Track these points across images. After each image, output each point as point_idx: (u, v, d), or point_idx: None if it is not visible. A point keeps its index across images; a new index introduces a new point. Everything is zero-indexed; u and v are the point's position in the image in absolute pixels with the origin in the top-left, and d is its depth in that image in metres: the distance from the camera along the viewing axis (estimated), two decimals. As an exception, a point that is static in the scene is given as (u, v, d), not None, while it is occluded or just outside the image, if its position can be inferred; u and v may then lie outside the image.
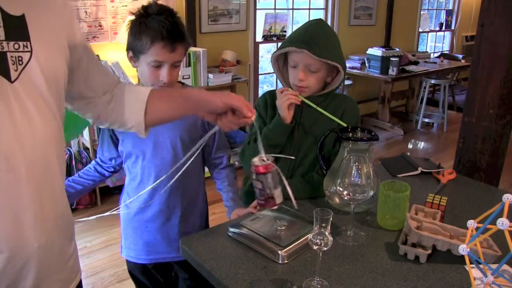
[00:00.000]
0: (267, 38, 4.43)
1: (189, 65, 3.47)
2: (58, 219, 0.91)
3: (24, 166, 0.80)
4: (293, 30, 1.48)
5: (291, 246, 1.12)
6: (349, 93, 5.22)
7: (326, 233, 0.95)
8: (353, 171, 1.12)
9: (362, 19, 5.35)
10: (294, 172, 1.48)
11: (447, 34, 7.07)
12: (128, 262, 1.65)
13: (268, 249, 1.12)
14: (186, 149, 1.47)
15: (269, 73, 4.92)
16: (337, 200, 1.35)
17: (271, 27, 4.43)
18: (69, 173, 3.01)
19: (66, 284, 0.97)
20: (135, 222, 1.55)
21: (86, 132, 3.24)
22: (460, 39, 7.12)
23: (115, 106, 1.05)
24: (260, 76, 4.59)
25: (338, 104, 1.47)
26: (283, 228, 1.20)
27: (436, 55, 6.51)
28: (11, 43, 0.78)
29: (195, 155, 1.15)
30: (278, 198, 1.03)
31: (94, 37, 3.25)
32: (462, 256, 0.94)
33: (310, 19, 1.80)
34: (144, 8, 1.34)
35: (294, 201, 1.00)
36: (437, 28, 6.87)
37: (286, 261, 1.10)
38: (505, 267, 1.03)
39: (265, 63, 5.18)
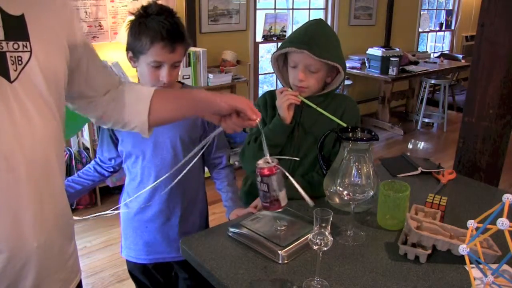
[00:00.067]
0: (267, 38, 4.43)
1: (189, 65, 3.47)
2: (57, 219, 0.91)
3: (23, 166, 0.80)
4: (293, 30, 1.48)
5: (291, 246, 1.12)
6: (349, 93, 5.22)
7: (326, 233, 0.95)
8: (353, 171, 1.12)
9: (362, 19, 5.35)
10: (294, 172, 1.48)
11: (447, 34, 7.07)
12: (128, 262, 1.65)
13: (268, 249, 1.12)
14: (186, 149, 1.47)
15: (269, 73, 4.92)
16: (337, 200, 1.35)
17: (271, 27, 4.43)
18: (69, 173, 3.01)
19: (66, 284, 0.97)
20: (135, 222, 1.55)
21: (86, 132, 3.24)
22: (460, 39, 7.12)
23: (118, 106, 1.05)
24: (260, 76, 4.59)
25: (338, 104, 1.47)
26: (283, 228, 1.20)
27: (436, 55, 6.51)
28: (11, 43, 0.78)
29: (197, 156, 1.15)
30: (283, 201, 1.03)
31: (94, 37, 3.25)
32: (462, 256, 0.94)
33: (310, 19, 1.80)
34: (144, 8, 1.34)
35: (307, 198, 1.00)
36: (437, 28, 6.87)
37: (286, 261, 1.10)
38: (505, 267, 1.03)
39: (265, 63, 5.17)
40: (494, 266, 0.96)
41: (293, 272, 1.06)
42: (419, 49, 6.49)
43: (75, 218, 1.10)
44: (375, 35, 5.59)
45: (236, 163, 3.30)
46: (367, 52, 4.94)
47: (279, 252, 1.10)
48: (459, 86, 6.52)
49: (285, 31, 4.51)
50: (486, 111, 1.97)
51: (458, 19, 6.97)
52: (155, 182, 1.39)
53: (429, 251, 1.10)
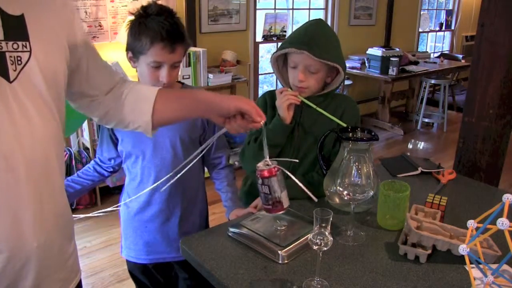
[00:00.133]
0: (267, 38, 4.43)
1: (189, 65, 3.47)
2: (57, 218, 0.91)
3: (23, 165, 0.80)
4: (293, 30, 1.48)
5: (291, 246, 1.12)
6: (349, 93, 5.23)
7: (326, 233, 0.95)
8: (353, 171, 1.12)
9: (362, 19, 5.35)
10: (294, 172, 1.48)
11: (447, 34, 7.07)
12: (128, 262, 1.65)
13: (268, 249, 1.12)
14: (186, 149, 1.47)
15: (269, 73, 4.92)
16: (337, 200, 1.35)
17: (271, 27, 4.43)
18: (69, 173, 3.01)
19: (66, 283, 0.97)
20: (135, 222, 1.55)
21: (86, 132, 3.24)
22: (460, 39, 7.12)
23: (122, 105, 1.05)
24: (260, 76, 4.59)
25: (338, 104, 1.47)
26: (283, 228, 1.20)
27: (436, 55, 6.51)
28: (10, 43, 0.78)
29: (199, 157, 1.15)
30: (285, 202, 1.03)
31: (94, 37, 3.25)
32: (462, 256, 0.94)
33: (310, 19, 1.80)
34: (144, 8, 1.34)
35: (311, 194, 1.00)
36: (437, 28, 6.87)
37: (286, 261, 1.10)
38: (505, 267, 1.03)
39: (265, 63, 5.17)
40: (494, 266, 0.96)
41: (293, 272, 1.06)
42: (419, 49, 6.49)
43: (75, 216, 1.10)
44: (375, 35, 5.59)
45: (236, 163, 3.30)
46: (367, 52, 4.94)
47: (279, 252, 1.10)
48: (459, 86, 6.52)
49: (285, 31, 4.51)
50: (486, 111, 1.97)
51: (458, 19, 6.97)
52: (156, 183, 1.38)
53: (429, 251, 1.10)
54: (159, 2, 1.40)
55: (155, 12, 1.32)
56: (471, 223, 0.99)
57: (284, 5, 4.85)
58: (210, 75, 3.64)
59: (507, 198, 0.89)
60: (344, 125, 1.35)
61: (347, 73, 4.64)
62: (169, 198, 1.51)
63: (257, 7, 4.28)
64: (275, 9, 4.58)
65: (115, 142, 1.54)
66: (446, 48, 7.11)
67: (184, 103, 1.07)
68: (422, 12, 6.31)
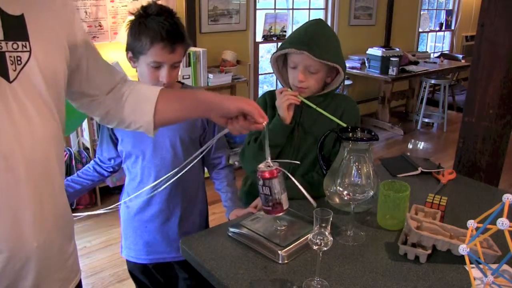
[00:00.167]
0: (267, 38, 4.43)
1: (189, 65, 3.47)
2: (57, 218, 0.91)
3: (23, 165, 0.80)
4: (293, 30, 1.48)
5: (291, 246, 1.12)
6: (349, 93, 5.22)
7: (326, 233, 0.95)
8: (353, 171, 1.12)
9: (362, 19, 5.35)
10: (294, 172, 1.48)
11: (447, 34, 7.07)
12: (128, 262, 1.65)
13: (268, 249, 1.12)
14: (186, 149, 1.47)
15: (269, 73, 4.92)
16: (337, 200, 1.35)
17: (271, 27, 4.43)
18: (69, 173, 3.01)
19: (65, 283, 0.97)
20: (135, 222, 1.55)
21: (86, 132, 3.24)
22: (460, 39, 7.12)
23: (124, 105, 1.05)
24: (260, 76, 4.59)
25: (338, 104, 1.47)
26: (283, 228, 1.20)
27: (436, 55, 6.51)
28: (10, 43, 0.78)
29: (199, 157, 1.15)
30: (285, 204, 1.04)
31: (94, 37, 3.25)
32: (462, 256, 0.94)
33: (310, 19, 1.80)
34: (144, 8, 1.34)
35: (310, 198, 1.00)
36: (437, 28, 6.87)
37: (286, 261, 1.10)
38: (505, 267, 1.03)
39: (265, 63, 5.17)
40: (494, 266, 0.96)
41: (293, 272, 1.06)
42: (419, 49, 6.49)
43: (75, 215, 1.10)
44: (375, 35, 5.59)
45: (236, 163, 3.30)
46: (367, 52, 4.94)
47: (279, 252, 1.10)
48: (459, 86, 6.52)
49: (285, 31, 4.51)
50: (486, 111, 1.97)
51: (458, 19, 6.97)
52: (156, 182, 1.39)
53: (429, 251, 1.10)
54: (159, 2, 1.40)
55: (155, 12, 1.32)
56: (471, 223, 0.99)
57: (284, 5, 4.85)
58: (210, 75, 3.64)
59: (507, 198, 0.89)
60: (344, 125, 1.35)
61: (347, 73, 4.65)
62: (169, 198, 1.51)
63: (257, 7, 4.28)
64: (275, 9, 4.58)
65: (115, 142, 1.54)
66: (446, 48, 7.11)
67: (185, 103, 1.07)
68: (422, 12, 6.31)
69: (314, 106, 1.41)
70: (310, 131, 1.46)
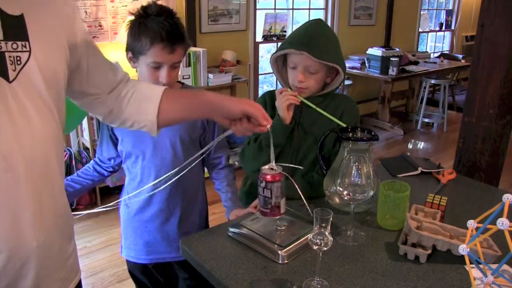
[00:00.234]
0: (267, 38, 4.43)
1: (189, 65, 3.47)
2: (57, 218, 0.91)
3: (22, 165, 0.80)
4: (293, 30, 1.48)
5: (291, 246, 1.12)
6: (349, 93, 5.22)
7: (326, 233, 0.95)
8: (353, 171, 1.12)
9: (362, 19, 5.35)
10: (294, 172, 1.48)
11: (447, 34, 7.07)
12: (128, 262, 1.65)
13: (268, 249, 1.12)
14: (186, 149, 1.47)
15: (269, 73, 4.92)
16: (337, 200, 1.35)
17: (271, 27, 4.43)
18: (69, 173, 3.00)
19: (65, 283, 0.97)
20: (135, 222, 1.55)
21: (86, 132, 3.24)
22: (460, 39, 7.12)
23: (127, 104, 1.04)
24: (260, 76, 4.59)
25: (338, 104, 1.47)
26: (283, 228, 1.20)
27: (436, 55, 6.51)
28: (10, 43, 0.78)
29: (201, 158, 1.15)
30: (283, 208, 1.05)
31: (94, 37, 3.25)
32: (462, 256, 0.94)
33: (310, 19, 1.80)
34: (144, 8, 1.34)
35: (308, 207, 1.02)
36: (437, 28, 6.87)
37: (286, 261, 1.10)
38: (505, 267, 1.03)
39: (265, 63, 5.17)
40: (494, 266, 0.96)
41: (293, 272, 1.06)
42: (419, 49, 6.49)
43: (75, 213, 1.10)
44: (375, 35, 5.59)
45: (236, 163, 3.30)
46: (367, 52, 4.94)
47: (279, 252, 1.10)
48: (459, 86, 6.52)
49: (285, 31, 4.51)
50: (486, 111, 1.97)
51: (458, 19, 6.97)
52: (155, 181, 1.39)
53: (429, 251, 1.10)
54: (159, 2, 1.40)
55: (155, 13, 1.32)
56: (471, 223, 0.99)
57: (284, 5, 4.85)
58: (210, 75, 3.64)
59: (507, 198, 0.89)
60: (344, 125, 1.35)
61: (347, 73, 4.64)
62: (169, 198, 1.51)
63: (257, 7, 4.28)
64: (275, 9, 4.58)
65: (115, 142, 1.54)
66: (446, 48, 7.11)
67: (189, 103, 1.07)
68: (422, 12, 6.31)
69: (314, 106, 1.41)
70: (310, 131, 1.46)
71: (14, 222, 0.81)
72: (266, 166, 1.03)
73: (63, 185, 0.95)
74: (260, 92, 4.52)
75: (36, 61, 0.81)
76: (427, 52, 6.41)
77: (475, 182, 1.73)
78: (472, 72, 2.02)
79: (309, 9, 4.94)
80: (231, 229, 1.22)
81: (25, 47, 0.80)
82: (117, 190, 3.19)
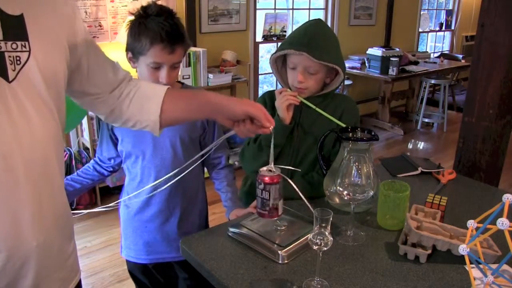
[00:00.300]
0: (267, 38, 4.43)
1: (189, 65, 3.47)
2: (57, 218, 0.91)
3: (22, 165, 0.80)
4: (293, 30, 1.48)
5: (291, 246, 1.12)
6: (349, 93, 5.22)
7: (326, 233, 0.95)
8: (353, 171, 1.12)
9: (362, 19, 5.35)
10: (294, 172, 1.48)
11: (447, 34, 7.07)
12: (128, 262, 1.65)
13: (268, 249, 1.12)
14: (186, 149, 1.47)
15: (269, 73, 4.92)
16: (337, 200, 1.35)
17: (271, 27, 4.43)
18: (69, 173, 3.00)
19: (65, 283, 0.97)
20: (135, 222, 1.55)
21: (86, 132, 3.24)
22: (460, 39, 7.12)
23: (129, 104, 1.04)
24: (260, 76, 4.59)
25: (337, 104, 1.47)
26: (283, 228, 1.20)
27: (436, 55, 6.51)
28: (9, 43, 0.78)
29: (202, 159, 1.15)
30: (280, 210, 1.06)
31: (94, 37, 3.24)
32: (462, 256, 0.94)
33: (310, 19, 1.80)
34: (144, 8, 1.34)
35: (309, 204, 1.01)
36: (437, 28, 6.87)
37: (286, 261, 1.10)
38: (505, 267, 1.03)
39: (265, 63, 5.17)
40: (494, 266, 0.96)
41: (293, 272, 1.06)
42: (419, 49, 6.49)
43: (75, 213, 1.10)
44: (375, 35, 5.59)
45: (236, 163, 3.30)
46: (367, 52, 4.94)
47: (279, 252, 1.10)
48: (459, 86, 6.52)
49: (285, 31, 4.51)
50: (486, 111, 1.97)
51: (458, 19, 6.97)
52: (155, 182, 1.38)
53: (429, 251, 1.10)
54: (159, 2, 1.40)
55: (155, 13, 1.32)
56: (471, 223, 0.99)
57: (284, 5, 4.85)
58: (210, 75, 3.64)
59: (507, 198, 0.89)
60: (343, 125, 1.35)
61: (347, 73, 4.65)
62: (169, 198, 1.51)
63: (257, 7, 4.28)
64: (275, 9, 4.58)
65: (115, 141, 1.54)
66: (446, 48, 7.11)
67: (192, 103, 1.07)
68: (422, 12, 6.31)
69: (314, 107, 1.41)
70: (310, 131, 1.46)
71: (13, 222, 0.81)
72: (265, 168, 1.03)
73: (63, 185, 0.95)
74: (260, 92, 4.52)
75: (35, 61, 0.81)
76: (427, 52, 6.41)
77: (475, 182, 1.73)
78: (472, 72, 2.02)
79: (309, 9, 4.94)
80: (231, 229, 1.22)
81: (25, 47, 0.80)
82: (117, 190, 3.19)
